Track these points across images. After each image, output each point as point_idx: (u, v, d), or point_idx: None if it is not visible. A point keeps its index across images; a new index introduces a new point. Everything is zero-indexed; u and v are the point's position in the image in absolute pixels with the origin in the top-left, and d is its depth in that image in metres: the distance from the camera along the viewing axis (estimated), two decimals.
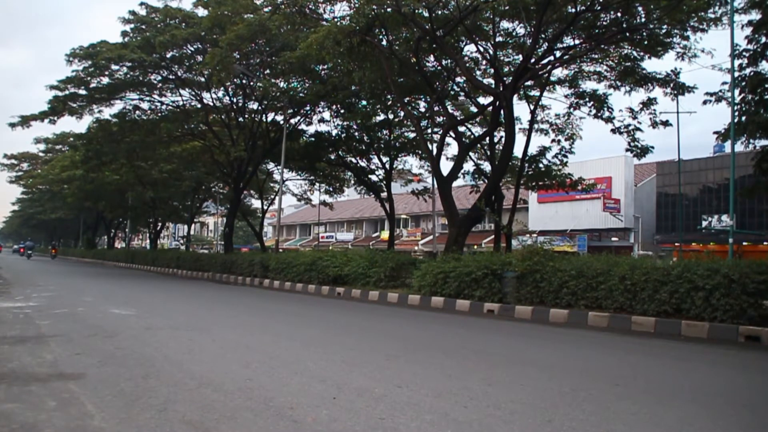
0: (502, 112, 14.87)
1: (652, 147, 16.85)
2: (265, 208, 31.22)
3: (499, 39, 15.73)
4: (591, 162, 33.59)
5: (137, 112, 25.26)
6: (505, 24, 15.47)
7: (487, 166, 19.49)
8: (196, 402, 3.54)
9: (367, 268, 14.10)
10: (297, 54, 15.57)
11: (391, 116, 21.65)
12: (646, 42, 14.29)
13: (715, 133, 15.72)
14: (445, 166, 27.55)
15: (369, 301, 12.74)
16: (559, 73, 17.01)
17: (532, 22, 13.20)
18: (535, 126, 18.27)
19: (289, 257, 17.52)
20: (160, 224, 44.21)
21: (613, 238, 35.74)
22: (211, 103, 24.66)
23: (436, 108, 19.46)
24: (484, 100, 17.24)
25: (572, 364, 5.54)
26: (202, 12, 21.04)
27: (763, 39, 13.25)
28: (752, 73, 13.49)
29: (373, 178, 24.76)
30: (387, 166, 22.98)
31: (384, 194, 23.83)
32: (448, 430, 3.15)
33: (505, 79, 15.91)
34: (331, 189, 28.14)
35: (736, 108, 14.04)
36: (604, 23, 14.23)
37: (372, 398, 3.75)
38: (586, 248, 31.34)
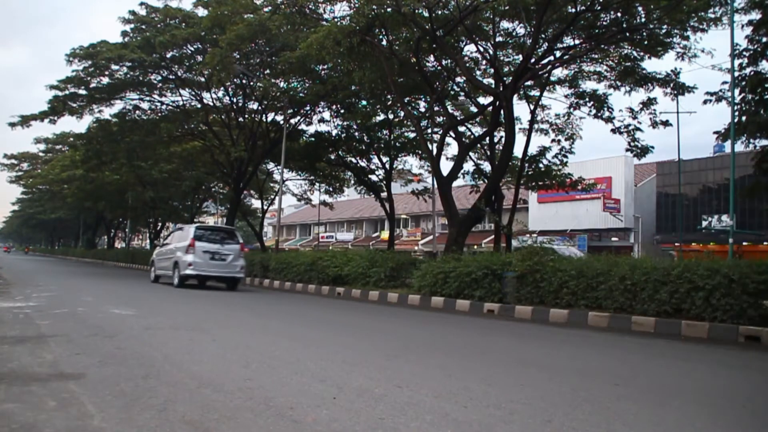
0: (502, 112, 14.86)
1: (652, 147, 16.87)
2: (265, 208, 31.20)
3: (499, 39, 15.73)
4: (591, 162, 33.58)
5: (137, 112, 25.29)
6: (505, 24, 15.48)
7: (487, 166, 19.49)
8: (196, 402, 3.54)
9: (367, 268, 14.10)
10: (297, 54, 15.57)
11: (391, 116, 21.65)
12: (646, 42, 14.30)
13: (715, 133, 15.72)
14: (445, 166, 27.58)
15: (369, 301, 12.73)
16: (559, 73, 17.04)
17: (532, 22, 13.19)
18: (535, 126, 18.28)
19: (289, 257, 17.52)
20: (160, 224, 44.19)
21: (613, 238, 35.74)
22: (211, 103, 24.68)
23: (436, 108, 19.47)
24: (484, 100, 17.24)
25: (572, 364, 5.54)
26: (202, 12, 21.05)
27: (763, 39, 13.24)
28: (752, 73, 13.47)
29: (373, 178, 24.77)
30: (387, 166, 22.99)
31: (384, 194, 23.82)
32: (448, 430, 3.15)
33: (505, 79, 15.90)
34: (331, 189, 28.13)
35: (736, 108, 14.04)
36: (604, 23, 14.23)
37: (372, 398, 3.75)
38: (586, 248, 31.34)
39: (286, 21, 14.89)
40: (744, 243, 27.54)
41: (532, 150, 18.42)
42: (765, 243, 28.01)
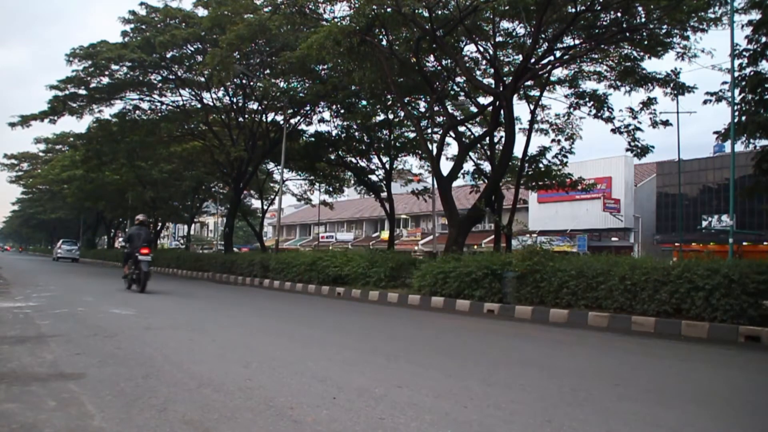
0: (502, 112, 14.86)
1: (652, 147, 16.85)
2: (265, 208, 31.20)
3: (499, 39, 15.73)
4: (591, 162, 33.57)
5: (137, 112, 25.28)
6: (505, 24, 15.47)
7: (487, 166, 19.49)
8: (196, 402, 3.54)
9: (367, 268, 14.09)
10: (297, 54, 15.56)
11: (391, 116, 21.64)
12: (646, 42, 14.29)
13: (715, 133, 15.73)
14: (445, 166, 27.58)
15: (369, 301, 12.73)
16: (559, 73, 17.02)
17: (532, 22, 13.19)
18: (535, 126, 18.27)
19: (289, 257, 17.51)
20: (160, 224, 44.20)
21: (613, 238, 35.74)
22: (211, 103, 24.66)
23: (436, 108, 19.46)
24: (484, 100, 17.23)
25: (572, 364, 5.55)
26: (202, 12, 21.04)
27: (763, 39, 13.27)
28: (752, 73, 13.50)
29: (373, 178, 24.75)
30: (387, 166, 22.98)
31: (384, 194, 23.82)
32: (448, 430, 3.15)
33: (505, 79, 15.90)
34: (331, 189, 28.12)
35: (736, 108, 14.05)
36: (604, 23, 14.23)
37: (372, 398, 3.75)
38: (586, 248, 31.35)
39: (286, 21, 14.89)
40: (744, 243, 27.56)
41: (532, 150, 18.42)
42: (765, 243, 28.00)
